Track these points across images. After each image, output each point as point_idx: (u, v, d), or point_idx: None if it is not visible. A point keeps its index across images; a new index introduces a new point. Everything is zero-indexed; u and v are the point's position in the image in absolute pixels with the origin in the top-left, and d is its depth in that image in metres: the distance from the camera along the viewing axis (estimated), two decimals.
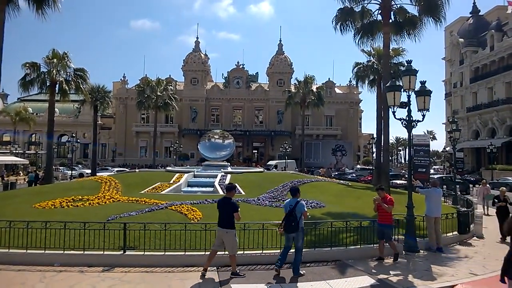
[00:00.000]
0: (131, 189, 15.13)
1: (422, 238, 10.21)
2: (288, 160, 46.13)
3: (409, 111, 10.33)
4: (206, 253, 7.96)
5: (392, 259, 8.93)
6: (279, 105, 58.80)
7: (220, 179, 17.06)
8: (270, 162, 46.81)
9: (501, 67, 49.43)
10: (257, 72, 68.92)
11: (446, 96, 64.86)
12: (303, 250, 7.86)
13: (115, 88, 63.04)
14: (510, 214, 10.55)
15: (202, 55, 64.45)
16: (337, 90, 65.21)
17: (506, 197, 11.92)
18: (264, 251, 8.43)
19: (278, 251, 8.25)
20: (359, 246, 9.17)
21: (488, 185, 18.81)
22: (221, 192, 14.77)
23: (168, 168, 24.04)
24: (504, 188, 12.98)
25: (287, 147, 47.75)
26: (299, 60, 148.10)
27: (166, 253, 8.15)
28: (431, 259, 9.20)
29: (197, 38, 65.82)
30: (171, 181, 16.82)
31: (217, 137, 24.13)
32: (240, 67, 65.19)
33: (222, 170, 19.99)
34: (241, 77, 64.56)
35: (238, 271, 7.61)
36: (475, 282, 7.64)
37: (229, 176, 17.94)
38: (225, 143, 23.63)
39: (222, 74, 68.05)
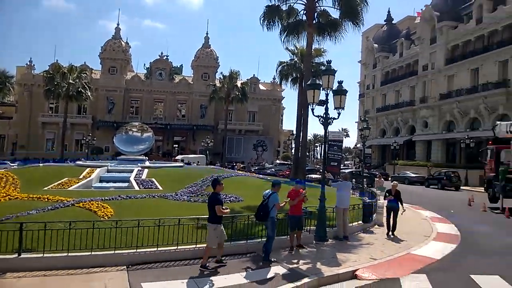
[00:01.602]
0: (32, 186, 13.54)
1: (331, 228, 10.87)
2: (198, 155, 45.53)
3: (327, 109, 10.85)
4: (117, 251, 7.59)
5: (302, 249, 9.37)
6: (203, 99, 58.21)
7: (136, 174, 16.39)
8: (178, 157, 45.16)
9: (407, 72, 54.39)
10: (182, 65, 67.46)
11: (360, 96, 69.61)
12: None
13: (19, 74, 57.19)
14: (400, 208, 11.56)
15: (123, 43, 61.13)
16: (261, 87, 66.40)
17: (397, 191, 11.83)
18: (179, 247, 8.27)
19: (194, 246, 8.21)
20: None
21: (382, 179, 20.79)
22: (137, 188, 14.20)
23: (78, 162, 21.90)
24: (396, 182, 13.05)
25: (209, 142, 47.57)
26: (225, 55, 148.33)
27: (70, 254, 7.41)
28: (338, 247, 9.83)
29: (118, 24, 62.39)
30: (81, 176, 15.64)
31: (135, 130, 23.11)
32: (164, 58, 63.08)
33: (139, 164, 19.20)
34: (164, 69, 62.53)
35: (207, 264, 7.67)
36: (374, 266, 8.32)
37: (146, 170, 17.30)
38: (144, 137, 22.75)
39: (144, 65, 65.61)
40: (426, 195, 26.46)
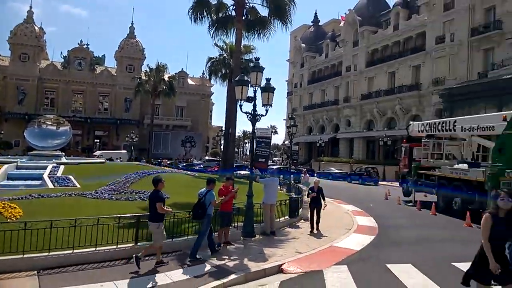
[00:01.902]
0: None
1: (259, 224, 10.92)
2: (119, 151, 43.68)
3: (255, 106, 10.85)
4: (26, 255, 6.85)
5: (229, 245, 9.28)
6: (128, 92, 55.63)
7: (51, 171, 15.11)
8: (96, 153, 42.75)
9: (332, 72, 57.00)
10: (104, 55, 63.62)
11: (288, 95, 71.56)
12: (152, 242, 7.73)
13: None
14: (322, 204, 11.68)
15: (36, 28, 56.11)
16: (190, 81, 65.25)
17: (320, 188, 11.87)
18: (98, 248, 7.70)
19: (115, 247, 7.73)
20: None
21: (308, 175, 21.58)
22: (51, 186, 13.08)
23: None
24: (318, 179, 13.01)
25: (134, 137, 45.62)
26: (152, 47, 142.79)
27: None
28: (265, 242, 9.89)
29: (31, 7, 57.34)
30: None
31: (50, 123, 21.26)
32: (84, 46, 59.04)
33: (54, 160, 17.73)
34: (84, 58, 58.49)
35: (162, 259, 7.60)
36: (299, 259, 8.49)
37: (62, 167, 16.06)
38: (60, 130, 21.05)
39: (61, 53, 60.65)
40: (348, 190, 27.90)
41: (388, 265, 8.07)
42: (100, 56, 62.45)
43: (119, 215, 8.30)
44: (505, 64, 30.47)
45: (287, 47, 77.32)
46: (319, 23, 66.33)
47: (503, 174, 12.76)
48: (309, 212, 11.87)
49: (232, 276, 7.16)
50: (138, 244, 8.10)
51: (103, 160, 23.84)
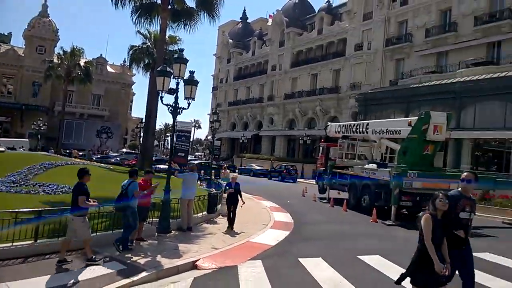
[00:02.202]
0: None
1: (175, 219, 10.62)
2: (21, 139, 40.01)
3: (176, 98, 10.51)
4: None
5: (143, 242, 8.90)
6: (37, 75, 51.01)
7: None
8: None
9: (258, 70, 57.77)
10: (10, 33, 57.75)
11: (213, 89, 71.10)
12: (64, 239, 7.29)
13: None
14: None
15: None
16: (110, 69, 61.68)
17: (237, 184, 11.59)
18: None
19: (10, 245, 6.98)
20: (111, 232, 8.70)
21: (228, 170, 21.68)
22: None
23: None
24: (236, 174, 12.66)
25: (41, 125, 41.91)
26: (67, 29, 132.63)
27: None
28: (181, 238, 9.66)
29: None
30: None
31: None
32: None
33: None
34: None
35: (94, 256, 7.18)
36: (215, 255, 8.41)
37: None
38: None
39: None
40: (268, 186, 28.51)
41: (300, 259, 8.31)
42: (6, 34, 56.40)
43: (16, 210, 7.49)
44: (413, 74, 33.38)
45: (215, 41, 76.93)
46: (248, 20, 66.81)
47: (406, 174, 13.90)
48: (227, 210, 11.66)
49: (143, 274, 6.84)
50: (38, 241, 7.40)
51: (2, 149, 21.51)
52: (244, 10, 66.68)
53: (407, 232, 12.50)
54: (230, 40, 63.21)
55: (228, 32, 66.13)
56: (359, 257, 8.66)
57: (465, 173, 5.39)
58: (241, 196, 11.55)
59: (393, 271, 7.54)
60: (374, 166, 16.84)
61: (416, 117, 15.29)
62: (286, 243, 10.22)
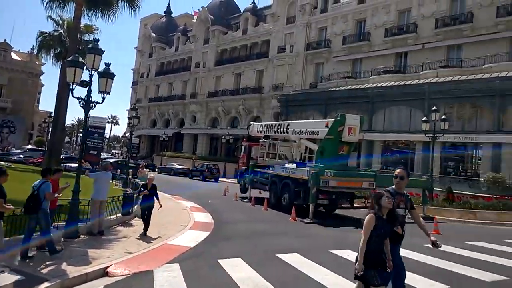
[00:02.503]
0: None
1: (85, 223, 9.82)
2: None
3: (89, 91, 9.73)
4: None
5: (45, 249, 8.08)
6: None
7: None
8: None
9: (181, 67, 56.52)
10: None
11: (133, 84, 68.05)
12: None
13: None
14: None
15: None
16: (15, 56, 55.88)
17: (154, 185, 10.82)
18: None
19: None
20: (8, 238, 7.72)
21: (145, 169, 20.83)
22: None
23: None
24: (152, 175, 11.58)
25: None
26: None
27: None
28: (91, 243, 8.93)
29: None
30: None
31: None
32: None
33: None
34: None
35: None
36: (129, 260, 7.91)
37: None
38: None
39: None
40: (189, 186, 27.95)
41: (219, 260, 8.16)
42: None
43: None
44: (331, 78, 35.15)
45: (136, 34, 73.76)
46: (172, 15, 65.07)
47: (323, 173, 14.48)
48: (141, 211, 10.92)
49: (45, 284, 6.16)
50: None
51: None
52: (169, 4, 64.81)
53: (324, 230, 13.03)
54: (153, 34, 61.02)
55: (151, 26, 63.80)
56: (278, 255, 8.74)
57: (398, 170, 5.49)
58: (157, 199, 10.79)
59: (311, 269, 7.75)
60: (294, 165, 17.30)
61: (333, 119, 16.00)
62: (206, 244, 10.00)
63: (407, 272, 7.66)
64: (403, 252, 9.48)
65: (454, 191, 18.83)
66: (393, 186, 5.38)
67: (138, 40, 70.61)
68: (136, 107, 24.70)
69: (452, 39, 28.51)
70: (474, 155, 24.82)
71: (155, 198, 10.71)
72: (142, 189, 10.86)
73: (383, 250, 4.74)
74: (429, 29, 29.76)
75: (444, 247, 10.12)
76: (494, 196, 18.21)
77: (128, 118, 23.84)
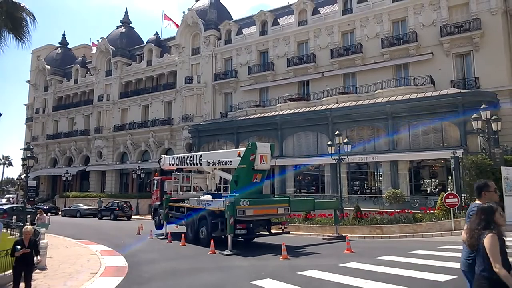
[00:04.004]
0: None
1: None
2: None
3: None
4: None
5: None
6: None
7: None
8: None
9: (82, 100, 53.21)
10: None
11: (27, 120, 62.09)
12: None
13: None
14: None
15: None
16: None
17: (32, 239, 8.60)
18: None
19: None
20: None
21: (44, 214, 19.14)
22: None
23: None
24: (31, 228, 9.10)
25: None
26: None
27: None
28: None
29: None
30: None
31: None
32: None
33: None
34: None
35: None
36: None
37: None
38: None
39: None
40: (99, 228, 25.89)
41: None
42: None
43: None
44: (240, 107, 35.94)
45: (28, 66, 68.03)
46: (68, 46, 61.48)
47: (239, 203, 14.44)
48: (13, 276, 8.28)
49: None
50: None
51: None
52: (64, 34, 61.22)
53: (244, 260, 12.87)
54: (48, 66, 56.82)
55: (44, 58, 59.43)
56: None
57: (491, 182, 4.92)
58: (38, 254, 8.82)
59: None
60: (209, 197, 17.04)
61: (244, 148, 16.20)
62: None
63: None
64: (314, 273, 9.85)
65: (361, 208, 20.11)
66: (477, 202, 4.74)
67: (30, 73, 65.13)
68: (32, 146, 22.34)
69: (346, 67, 31.30)
70: (376, 173, 27.00)
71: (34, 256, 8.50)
72: (18, 247, 8.19)
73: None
74: (326, 59, 32.34)
75: (357, 265, 10.74)
76: (396, 210, 19.87)
77: (22, 159, 21.47)
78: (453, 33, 27.00)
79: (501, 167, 17.59)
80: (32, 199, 44.33)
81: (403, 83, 28.24)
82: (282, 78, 34.61)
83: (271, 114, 31.68)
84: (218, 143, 33.73)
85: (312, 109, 29.58)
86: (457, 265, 9.73)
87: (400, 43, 29.10)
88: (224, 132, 33.44)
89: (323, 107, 28.86)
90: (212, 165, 18.01)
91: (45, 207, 38.68)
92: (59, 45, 60.97)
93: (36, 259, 8.63)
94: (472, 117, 18.75)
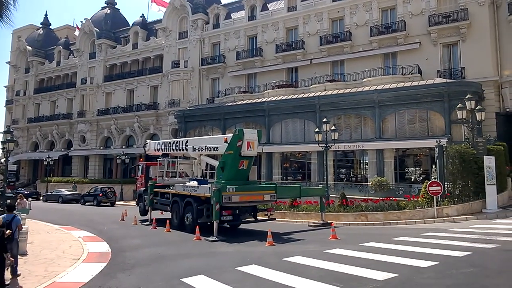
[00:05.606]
0: None
1: None
2: None
3: None
4: None
5: None
6: None
7: None
8: None
9: (65, 83, 51.94)
10: None
11: (7, 103, 60.45)
12: None
13: None
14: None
15: None
16: None
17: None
18: None
19: None
20: None
21: (25, 199, 18.83)
22: None
23: None
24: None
25: None
26: None
27: None
28: None
29: None
30: None
31: None
32: None
33: None
34: None
35: None
36: None
37: None
38: None
39: None
40: (82, 213, 25.52)
41: None
42: None
43: None
44: (227, 93, 35.59)
45: (8, 47, 65.96)
46: (50, 27, 59.70)
47: (225, 189, 14.32)
48: None
49: None
50: None
51: None
52: (46, 14, 59.28)
53: (230, 246, 12.81)
54: (29, 47, 55.16)
55: (25, 38, 57.64)
56: (183, 280, 8.29)
57: None
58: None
59: None
60: (195, 183, 16.86)
61: (231, 134, 16.02)
62: (102, 276, 9.04)
63: (304, 279, 7.87)
64: (299, 259, 9.85)
65: (347, 196, 20.22)
66: None
67: (11, 54, 63.13)
68: (12, 129, 21.68)
69: (335, 55, 31.15)
70: (362, 161, 27.15)
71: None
72: None
73: None
74: (315, 46, 32.12)
75: (341, 251, 10.78)
76: (381, 198, 20.04)
77: (1, 142, 20.86)
78: (441, 23, 27.08)
79: (484, 156, 17.82)
80: (12, 184, 43.44)
81: (390, 72, 28.26)
82: (271, 64, 34.30)
83: (259, 100, 31.44)
84: (205, 129, 33.40)
85: (300, 96, 29.45)
86: (439, 251, 9.94)
87: (389, 32, 29.05)
88: (211, 118, 33.10)
89: (311, 94, 28.76)
90: (199, 151, 17.79)
91: (25, 192, 38.08)
92: (41, 26, 59.15)
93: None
94: (457, 107, 18.88)
